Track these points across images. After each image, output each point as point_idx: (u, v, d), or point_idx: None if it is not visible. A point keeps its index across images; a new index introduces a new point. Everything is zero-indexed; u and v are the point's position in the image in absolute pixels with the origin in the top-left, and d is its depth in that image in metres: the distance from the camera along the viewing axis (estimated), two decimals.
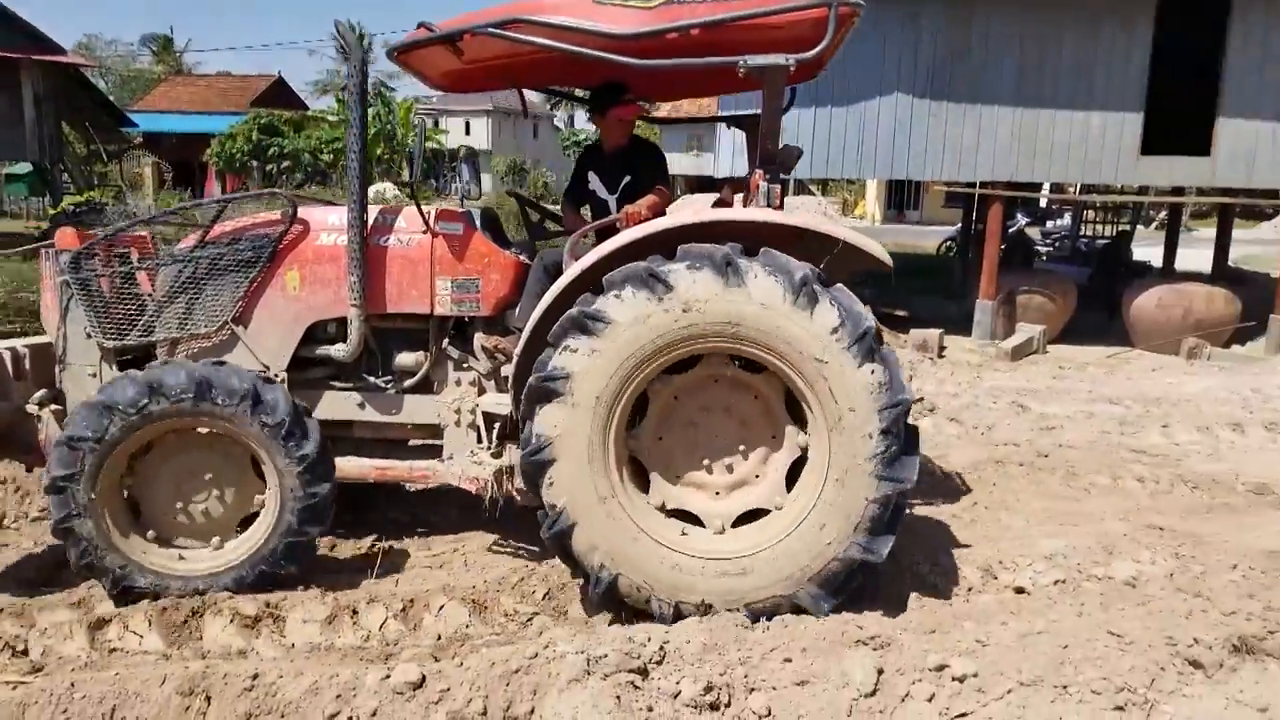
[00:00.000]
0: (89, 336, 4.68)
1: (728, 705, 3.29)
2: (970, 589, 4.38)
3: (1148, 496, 6.08)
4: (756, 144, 4.49)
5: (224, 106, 37.35)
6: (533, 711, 3.21)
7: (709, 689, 3.29)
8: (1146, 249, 18.29)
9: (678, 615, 3.95)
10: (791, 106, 4.68)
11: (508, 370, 4.51)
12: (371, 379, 4.84)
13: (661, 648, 3.48)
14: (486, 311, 4.76)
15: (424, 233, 4.74)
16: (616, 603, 4.09)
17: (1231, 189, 12.67)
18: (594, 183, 5.16)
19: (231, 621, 4.11)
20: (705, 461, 4.19)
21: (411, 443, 5.02)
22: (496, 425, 4.65)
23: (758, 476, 4.18)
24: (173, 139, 35.07)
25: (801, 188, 35.98)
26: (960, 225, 19.45)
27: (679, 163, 42.24)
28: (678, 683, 3.31)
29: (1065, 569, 4.49)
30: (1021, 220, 20.83)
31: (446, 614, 4.26)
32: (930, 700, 3.32)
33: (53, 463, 4.17)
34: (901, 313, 13.13)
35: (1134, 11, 11.62)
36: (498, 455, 4.63)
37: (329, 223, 4.80)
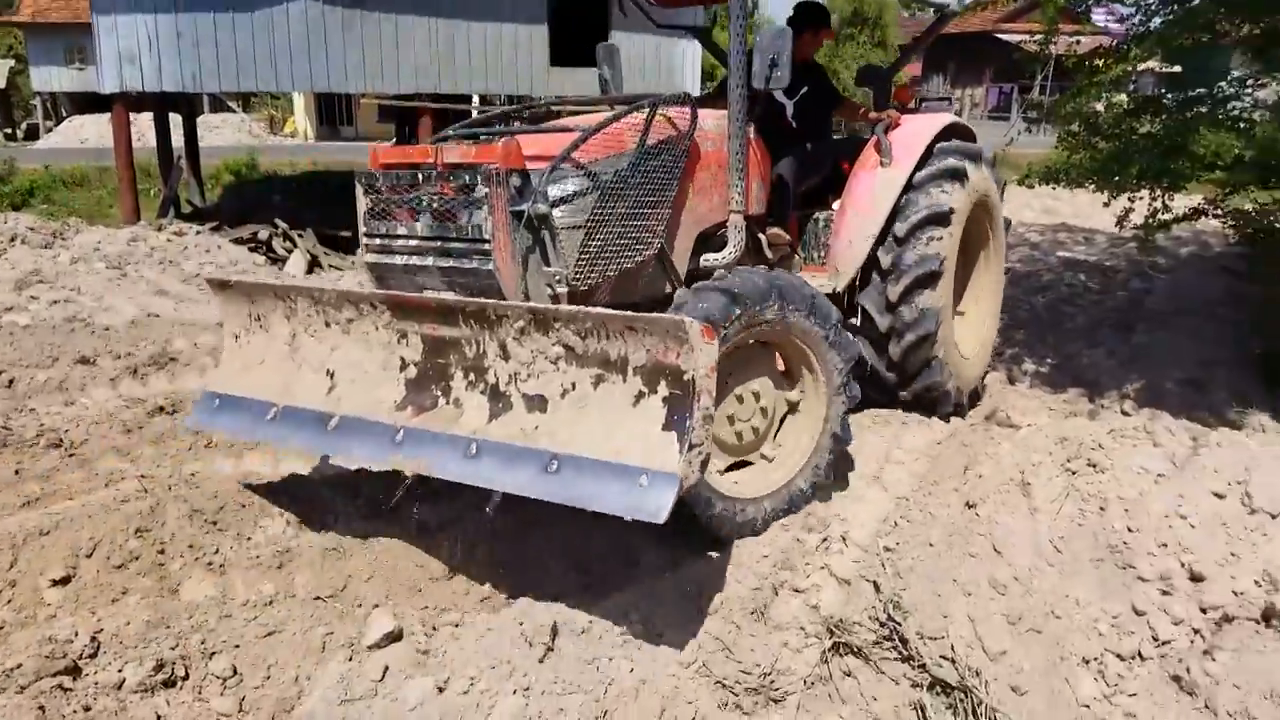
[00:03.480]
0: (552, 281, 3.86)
1: (185, 678, 3.02)
2: (438, 496, 4.43)
3: None
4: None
5: None
6: None
7: (160, 666, 2.97)
8: None
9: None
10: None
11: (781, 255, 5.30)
12: None
13: (94, 638, 3.05)
14: (762, 209, 5.13)
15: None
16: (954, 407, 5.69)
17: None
18: None
19: None
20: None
21: None
22: None
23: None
24: None
25: (218, 104, 33.13)
26: (395, 140, 19.43)
27: (59, 78, 36.04)
28: (120, 670, 2.95)
29: None
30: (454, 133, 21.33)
31: None
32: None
33: None
34: (346, 233, 12.76)
35: None
36: None
37: (705, 127, 4.56)
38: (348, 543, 3.82)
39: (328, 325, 3.95)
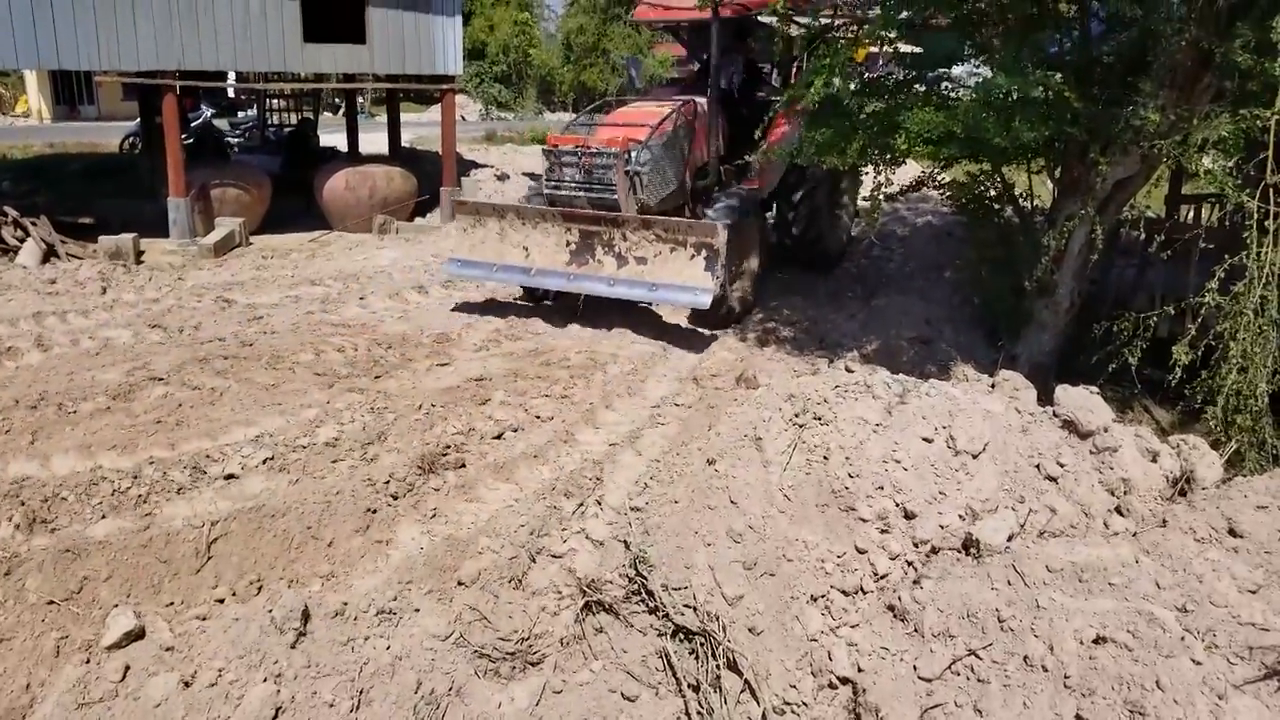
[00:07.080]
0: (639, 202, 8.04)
1: None
2: (181, 490, 4.28)
3: (346, 364, 6.58)
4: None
5: None
6: None
7: None
8: (334, 135, 19.21)
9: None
10: None
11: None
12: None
13: None
14: (723, 152, 9.13)
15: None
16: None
17: (393, 75, 13.79)
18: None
19: None
20: None
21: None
22: None
23: None
24: None
25: None
26: (140, 119, 18.00)
27: None
28: None
29: (273, 447, 4.67)
30: (208, 111, 20.04)
31: None
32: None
33: None
34: (87, 220, 11.79)
35: None
36: None
37: (700, 111, 8.63)
38: (84, 544, 3.64)
39: (523, 224, 8.10)
